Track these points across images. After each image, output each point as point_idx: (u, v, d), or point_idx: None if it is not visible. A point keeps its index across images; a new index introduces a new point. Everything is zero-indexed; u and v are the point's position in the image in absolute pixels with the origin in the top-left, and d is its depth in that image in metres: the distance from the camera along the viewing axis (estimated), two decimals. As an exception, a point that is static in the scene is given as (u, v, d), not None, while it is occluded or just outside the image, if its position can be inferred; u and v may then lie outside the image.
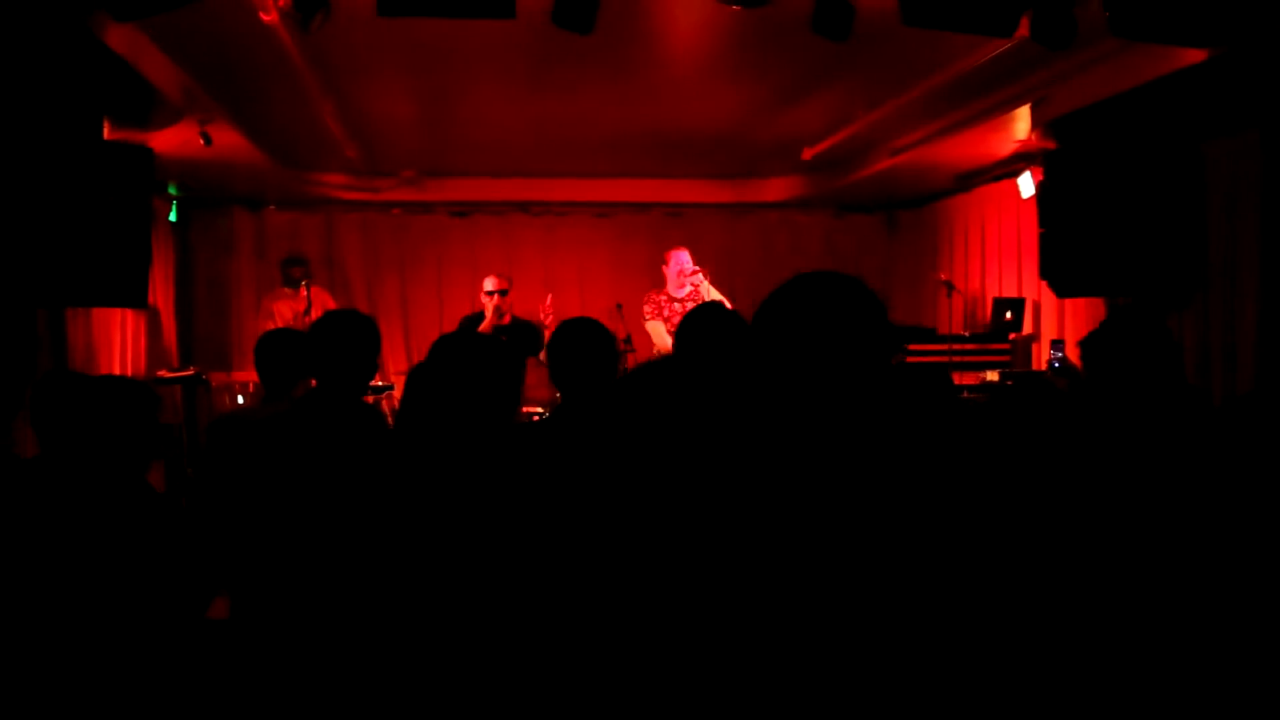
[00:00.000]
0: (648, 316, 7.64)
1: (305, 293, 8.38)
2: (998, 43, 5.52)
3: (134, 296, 6.33)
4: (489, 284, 7.81)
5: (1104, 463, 3.16)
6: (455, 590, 2.50)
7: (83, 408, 2.97)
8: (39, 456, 2.99)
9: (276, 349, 4.29)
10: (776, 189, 10.81)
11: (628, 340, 8.21)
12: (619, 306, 8.27)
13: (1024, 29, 4.93)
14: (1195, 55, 5.39)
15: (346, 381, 3.47)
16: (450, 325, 9.06)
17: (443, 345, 2.96)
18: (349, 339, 3.48)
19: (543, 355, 7.44)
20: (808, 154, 8.82)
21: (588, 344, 3.65)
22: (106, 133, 6.28)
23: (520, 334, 7.80)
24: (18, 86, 5.46)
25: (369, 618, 2.58)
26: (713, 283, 7.47)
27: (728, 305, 7.06)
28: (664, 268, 7.65)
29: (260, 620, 3.05)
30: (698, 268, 7.48)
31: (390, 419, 6.91)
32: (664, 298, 7.59)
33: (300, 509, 2.86)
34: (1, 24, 5.07)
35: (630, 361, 8.27)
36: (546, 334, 7.35)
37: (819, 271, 2.07)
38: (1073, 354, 6.87)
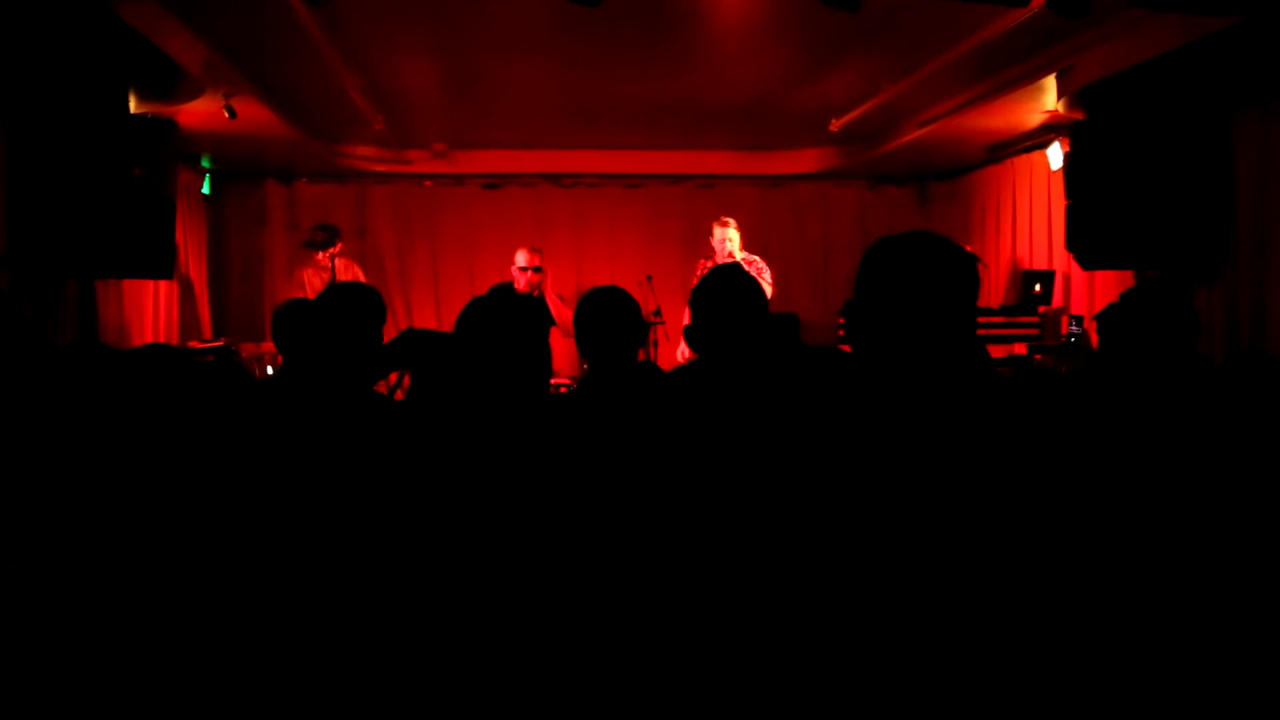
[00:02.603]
0: None
1: (331, 262, 8.43)
2: (1018, 12, 5.46)
3: (160, 268, 6.43)
4: (522, 259, 7.65)
5: (1112, 440, 3.14)
6: (471, 578, 2.48)
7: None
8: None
9: (290, 321, 4.33)
10: (809, 160, 10.73)
11: (657, 312, 8.21)
12: (649, 278, 8.27)
13: (1041, -3, 4.88)
14: (1219, 21, 5.30)
15: (348, 354, 3.49)
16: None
17: (474, 307, 2.93)
18: (349, 312, 3.50)
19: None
20: (835, 125, 8.76)
21: (614, 312, 3.64)
22: (133, 107, 6.36)
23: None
24: (41, 62, 5.55)
25: (369, 609, 2.57)
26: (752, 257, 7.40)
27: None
28: (710, 239, 7.55)
29: (257, 607, 3.05)
30: (749, 255, 7.41)
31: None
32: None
33: (291, 482, 2.87)
34: (24, 3, 5.15)
35: (660, 333, 8.29)
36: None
37: (915, 233, 2.11)
38: (1092, 328, 6.79)
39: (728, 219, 7.52)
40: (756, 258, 7.44)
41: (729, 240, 7.38)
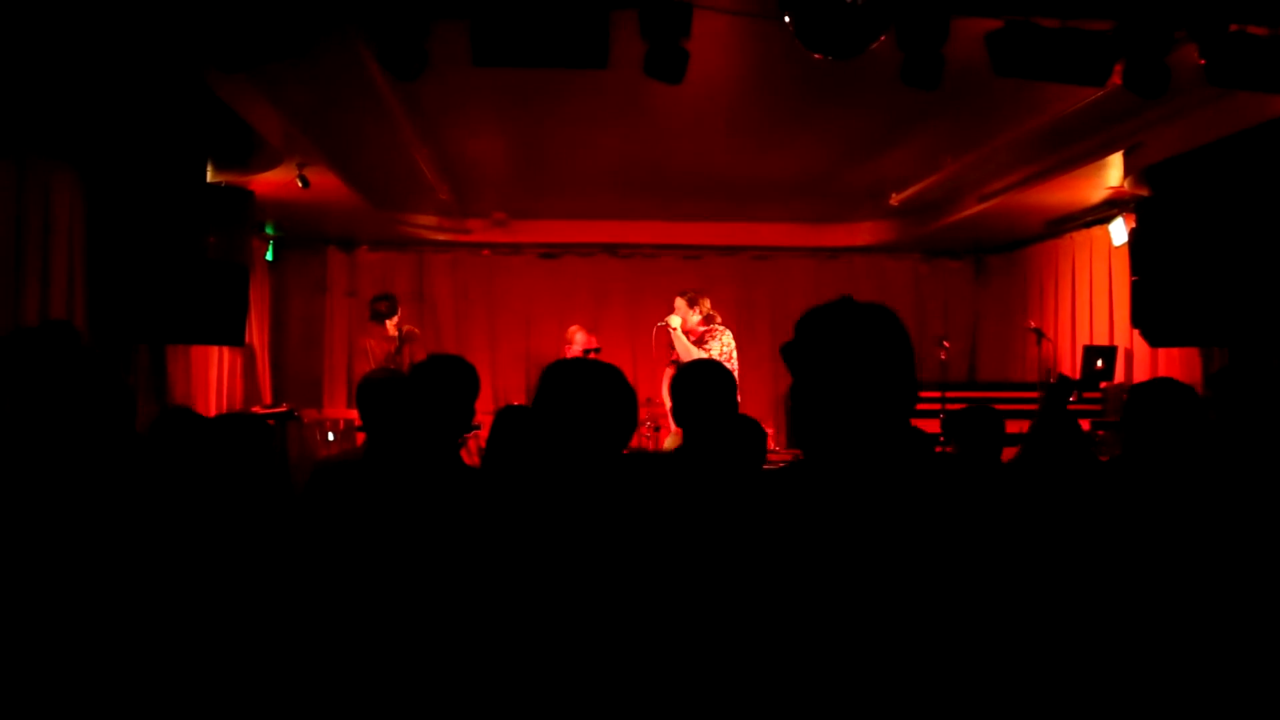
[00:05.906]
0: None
1: (399, 332, 8.49)
2: (1090, 90, 5.48)
3: (232, 335, 6.50)
4: (580, 340, 7.51)
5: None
6: (566, 638, 2.48)
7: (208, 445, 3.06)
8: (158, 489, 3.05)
9: (377, 392, 4.32)
10: (864, 233, 10.79)
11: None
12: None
13: (1116, 77, 4.89)
14: (1293, 102, 5.31)
15: (443, 427, 3.50)
16: (537, 365, 9.10)
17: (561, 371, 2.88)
18: (448, 385, 3.52)
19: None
20: (895, 200, 8.80)
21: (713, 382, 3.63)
22: (209, 176, 6.46)
23: None
24: (126, 131, 5.67)
25: (465, 667, 2.58)
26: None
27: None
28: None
29: (350, 666, 3.06)
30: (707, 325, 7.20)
31: (477, 458, 6.94)
32: None
33: (394, 554, 2.88)
34: (120, 77, 5.27)
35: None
36: None
37: (845, 301, 1.94)
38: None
39: (677, 299, 7.36)
40: (712, 326, 7.16)
41: (684, 318, 7.21)
